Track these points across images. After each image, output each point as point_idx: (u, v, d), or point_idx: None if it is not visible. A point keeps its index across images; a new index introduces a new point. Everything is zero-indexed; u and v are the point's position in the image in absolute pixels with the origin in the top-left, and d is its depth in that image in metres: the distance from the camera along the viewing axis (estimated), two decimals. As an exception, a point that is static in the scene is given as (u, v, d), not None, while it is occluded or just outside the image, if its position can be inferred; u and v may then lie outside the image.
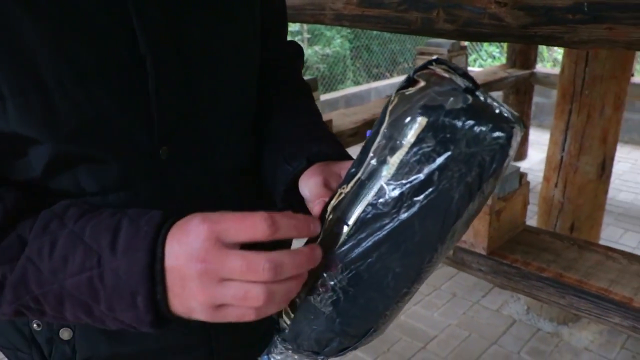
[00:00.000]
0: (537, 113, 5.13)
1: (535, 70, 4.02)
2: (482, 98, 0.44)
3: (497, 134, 0.43)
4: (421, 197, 0.44)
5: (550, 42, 1.25)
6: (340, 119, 2.60)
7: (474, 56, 7.56)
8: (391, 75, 7.15)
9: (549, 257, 1.51)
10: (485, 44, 7.57)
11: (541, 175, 2.43)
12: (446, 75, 0.47)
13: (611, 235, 3.27)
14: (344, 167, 0.58)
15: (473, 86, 0.45)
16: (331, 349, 0.55)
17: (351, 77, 6.87)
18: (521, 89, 4.06)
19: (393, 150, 0.45)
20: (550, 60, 7.10)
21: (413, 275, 0.49)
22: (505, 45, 6.58)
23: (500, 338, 2.43)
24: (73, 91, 0.52)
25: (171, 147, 0.60)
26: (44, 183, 0.56)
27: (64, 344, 0.64)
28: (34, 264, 0.49)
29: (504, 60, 4.86)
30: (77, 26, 0.52)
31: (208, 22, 0.62)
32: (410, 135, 0.44)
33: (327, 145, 0.65)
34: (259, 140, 0.73)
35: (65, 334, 0.64)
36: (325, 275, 0.50)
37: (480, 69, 4.84)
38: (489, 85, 3.67)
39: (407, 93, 0.47)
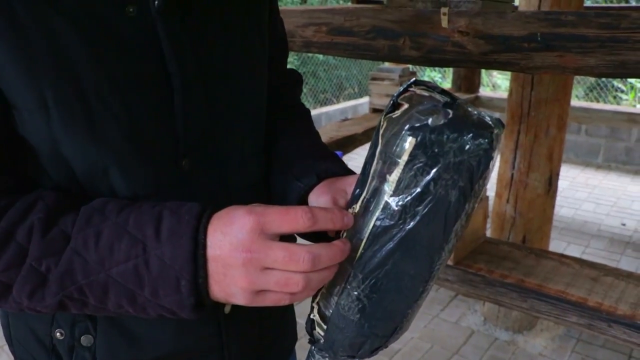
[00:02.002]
0: (481, 135, 5.37)
1: (479, 94, 4.25)
2: (461, 110, 0.50)
3: (479, 140, 0.49)
4: (422, 206, 0.50)
5: (508, 67, 1.38)
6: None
7: (417, 81, 7.82)
8: (337, 101, 7.31)
9: (509, 265, 1.63)
10: (428, 69, 7.88)
11: (490, 192, 2.58)
12: (426, 94, 0.52)
13: (556, 247, 3.48)
14: (347, 183, 0.64)
15: (451, 100, 0.51)
16: (364, 350, 0.60)
17: (299, 102, 6.96)
18: (467, 112, 4.27)
19: (390, 169, 0.51)
20: (490, 84, 7.47)
21: (426, 274, 0.55)
22: (447, 70, 6.89)
23: (461, 348, 2.54)
24: (110, 101, 0.57)
25: (192, 159, 0.65)
26: (80, 186, 0.60)
27: (85, 351, 0.66)
28: (79, 255, 0.52)
29: (445, 84, 5.10)
30: (113, 43, 0.57)
31: (227, 47, 0.68)
32: (404, 155, 0.50)
33: (333, 163, 0.72)
34: (267, 161, 0.79)
35: (86, 340, 0.66)
36: (349, 286, 0.56)
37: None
38: (438, 109, 3.85)
39: (394, 116, 0.52)
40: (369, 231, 0.53)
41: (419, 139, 0.49)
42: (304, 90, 7.17)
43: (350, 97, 7.51)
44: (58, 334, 0.66)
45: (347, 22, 1.65)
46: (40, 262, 0.52)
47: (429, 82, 0.54)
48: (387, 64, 4.13)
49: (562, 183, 4.72)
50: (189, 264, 0.50)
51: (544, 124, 2.27)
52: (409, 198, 0.50)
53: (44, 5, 0.54)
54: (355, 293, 0.55)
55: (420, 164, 0.49)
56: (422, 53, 1.51)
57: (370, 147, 0.54)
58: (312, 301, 0.61)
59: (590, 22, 1.22)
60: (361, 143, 3.11)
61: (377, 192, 0.53)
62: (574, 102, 3.97)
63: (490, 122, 0.50)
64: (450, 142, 0.48)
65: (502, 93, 5.18)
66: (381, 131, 0.53)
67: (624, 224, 3.94)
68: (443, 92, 0.52)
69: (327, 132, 3.11)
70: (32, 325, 0.69)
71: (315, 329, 0.62)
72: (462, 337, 2.62)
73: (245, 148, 0.74)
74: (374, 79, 3.82)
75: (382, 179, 0.52)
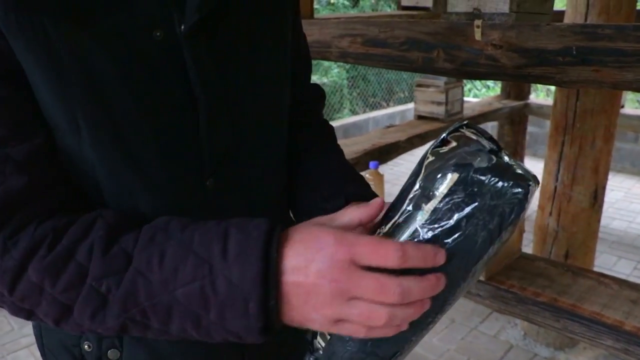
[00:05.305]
0: (531, 142, 5.24)
1: (529, 101, 4.13)
2: (504, 159, 0.53)
3: (517, 189, 0.51)
4: (450, 240, 0.52)
5: (542, 81, 1.34)
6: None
7: (469, 86, 7.71)
8: (387, 105, 7.27)
9: (544, 283, 1.59)
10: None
11: (536, 203, 2.51)
12: (474, 137, 0.55)
13: (605, 262, 3.35)
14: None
15: (497, 148, 0.53)
16: None
17: (348, 107, 6.98)
18: (515, 120, 4.17)
19: (427, 199, 0.53)
20: (544, 90, 7.25)
21: (437, 308, 0.56)
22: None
23: (498, 363, 2.49)
24: (139, 124, 0.59)
25: (217, 179, 0.66)
26: (106, 206, 0.61)
27: None
28: (143, 275, 0.51)
29: (498, 90, 4.98)
30: (142, 67, 0.59)
31: (253, 67, 0.69)
32: (443, 187, 0.52)
33: (361, 187, 0.74)
34: (293, 180, 0.80)
35: (113, 354, 0.68)
36: None
37: (476, 100, 4.95)
38: (485, 116, 3.78)
39: (441, 151, 0.54)
40: None
41: (462, 175, 0.51)
42: (354, 94, 7.19)
43: (400, 102, 7.45)
44: (86, 346, 0.69)
45: (381, 33, 1.65)
46: (101, 283, 0.51)
47: (479, 127, 0.57)
48: (434, 70, 4.07)
49: (617, 194, 4.55)
50: (257, 286, 0.49)
51: (589, 135, 2.19)
52: (439, 230, 0.52)
53: (77, 30, 0.55)
54: None
55: (458, 199, 0.51)
56: (456, 65, 1.49)
57: (411, 176, 0.56)
58: None
59: (628, 36, 1.17)
60: (404, 150, 3.07)
61: (409, 219, 0.54)
62: (630, 110, 3.81)
63: (529, 176, 0.52)
64: (490, 185, 0.51)
65: (555, 100, 5.02)
66: (426, 162, 0.55)
67: (681, 240, 3.75)
68: (491, 139, 0.55)
69: (370, 139, 3.09)
70: (61, 336, 0.71)
71: (316, 337, 0.63)
72: (500, 352, 2.56)
73: (267, 166, 0.75)
74: (419, 85, 3.79)
75: (418, 207, 0.54)
